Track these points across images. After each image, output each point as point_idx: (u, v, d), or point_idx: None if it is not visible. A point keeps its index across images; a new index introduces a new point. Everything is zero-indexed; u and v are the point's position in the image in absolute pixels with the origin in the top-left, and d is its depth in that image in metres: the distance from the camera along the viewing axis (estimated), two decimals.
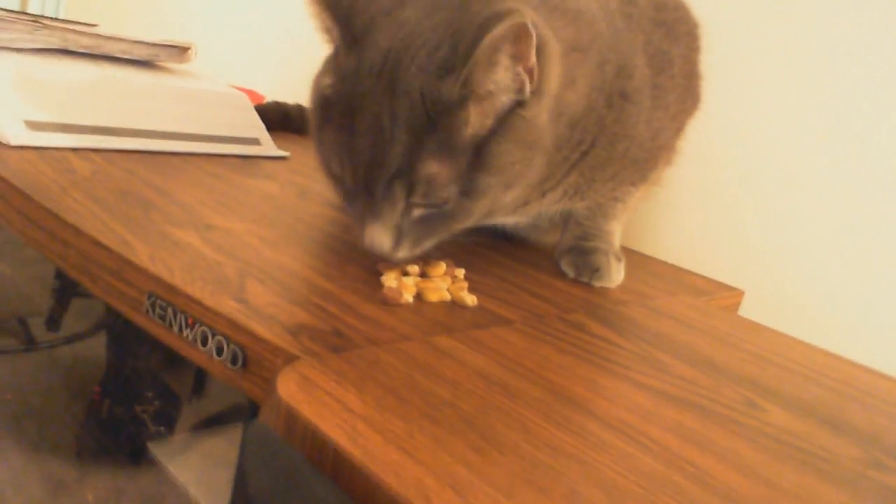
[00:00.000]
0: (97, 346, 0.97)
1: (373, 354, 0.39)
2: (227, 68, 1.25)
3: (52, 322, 1.03)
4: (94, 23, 0.98)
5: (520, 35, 0.46)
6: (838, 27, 0.79)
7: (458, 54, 0.46)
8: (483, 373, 0.40)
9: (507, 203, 0.54)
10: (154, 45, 0.89)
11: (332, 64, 0.52)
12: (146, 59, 0.89)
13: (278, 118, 1.05)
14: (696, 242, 0.89)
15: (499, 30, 0.45)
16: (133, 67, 0.87)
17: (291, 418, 0.33)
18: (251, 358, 0.42)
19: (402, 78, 0.47)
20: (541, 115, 0.51)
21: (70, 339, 1.01)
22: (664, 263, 0.85)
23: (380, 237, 0.51)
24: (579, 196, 0.64)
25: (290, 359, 0.40)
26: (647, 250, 0.89)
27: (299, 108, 1.09)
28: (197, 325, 0.44)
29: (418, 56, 0.47)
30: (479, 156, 0.49)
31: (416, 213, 0.51)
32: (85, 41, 0.82)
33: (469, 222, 0.53)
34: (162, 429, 0.81)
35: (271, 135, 0.92)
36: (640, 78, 0.59)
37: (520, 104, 0.49)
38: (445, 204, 0.50)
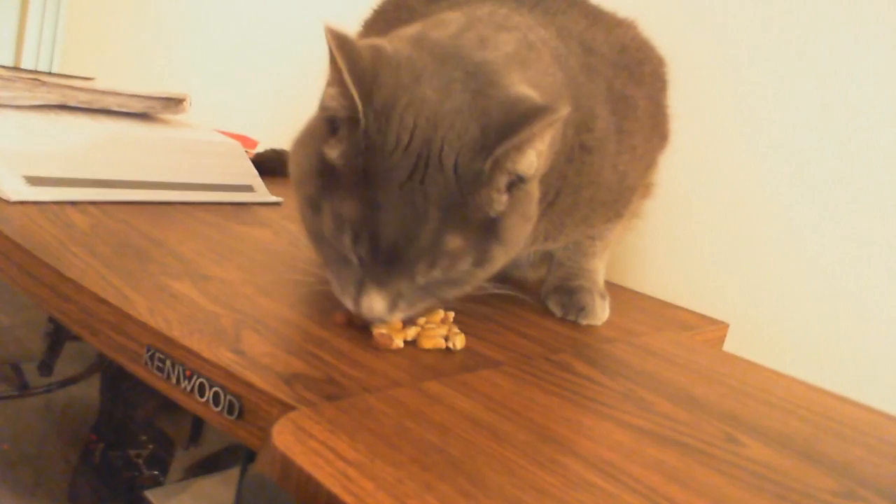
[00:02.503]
0: (91, 390, 0.97)
1: (365, 402, 0.41)
2: (219, 114, 1.29)
3: (46, 366, 1.03)
4: (90, 76, 1.01)
5: (552, 127, 0.50)
6: (818, 58, 0.82)
7: (491, 136, 0.49)
8: (471, 417, 0.42)
9: (501, 267, 0.55)
10: (150, 97, 0.92)
11: (341, 134, 0.51)
12: (142, 111, 0.92)
13: (276, 165, 1.07)
14: (682, 276, 0.91)
15: (543, 121, 0.48)
16: (129, 120, 0.90)
17: (286, 467, 0.34)
18: (247, 408, 0.43)
19: (433, 157, 0.49)
20: (536, 188, 0.55)
21: (64, 384, 1.01)
22: (650, 298, 0.87)
23: (379, 304, 0.50)
24: (552, 240, 0.66)
25: (285, 408, 0.41)
26: (633, 285, 0.91)
27: None
28: (195, 377, 0.45)
29: (449, 137, 0.49)
30: (492, 229, 0.51)
31: (423, 280, 0.51)
32: (83, 97, 0.85)
33: (469, 289, 0.55)
34: (156, 473, 0.82)
35: (267, 181, 0.95)
36: (602, 128, 0.61)
37: (522, 180, 0.52)
38: (456, 274, 0.52)
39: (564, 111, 0.49)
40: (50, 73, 0.99)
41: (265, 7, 1.46)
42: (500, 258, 0.53)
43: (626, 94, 0.64)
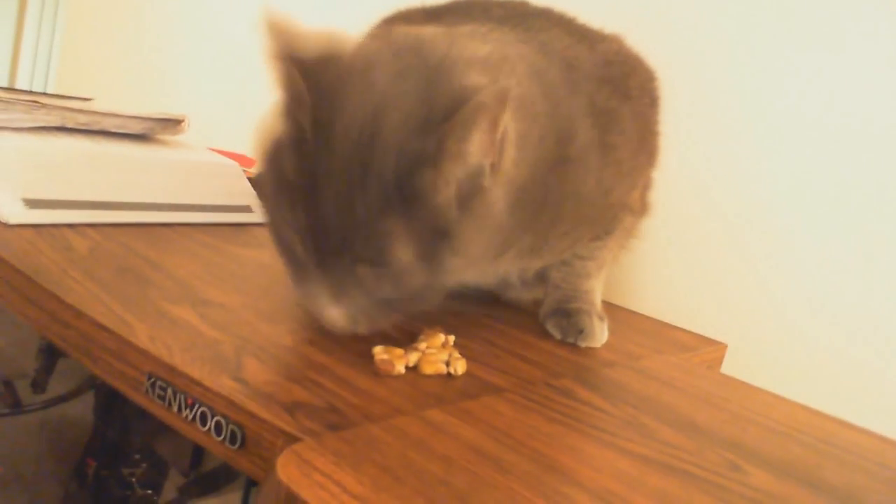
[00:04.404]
0: (85, 407, 0.97)
1: (368, 433, 0.41)
2: (216, 133, 1.29)
3: (38, 384, 1.02)
4: (87, 96, 1.01)
5: (499, 104, 0.47)
6: (819, 77, 0.83)
7: (435, 115, 0.47)
8: (475, 447, 0.41)
9: (464, 280, 0.54)
10: (148, 118, 0.92)
11: (289, 126, 0.50)
12: (141, 132, 0.92)
13: None
14: (680, 296, 0.91)
15: (485, 95, 0.46)
16: (128, 141, 0.90)
17: (291, 501, 0.34)
18: (250, 437, 0.43)
19: (377, 142, 0.47)
20: (500, 196, 0.52)
21: (57, 401, 1.01)
22: (649, 318, 0.87)
23: (339, 316, 0.51)
24: (537, 256, 0.66)
25: (288, 438, 0.41)
26: (631, 305, 0.91)
27: None
28: (196, 406, 0.45)
29: (392, 119, 0.47)
30: (443, 238, 0.49)
31: (379, 293, 0.50)
32: (82, 118, 0.85)
33: (429, 302, 0.53)
34: (149, 492, 0.81)
35: None
36: (583, 140, 0.60)
37: (481, 188, 0.50)
38: (410, 287, 0.50)
39: (512, 91, 0.47)
40: (49, 95, 0.99)
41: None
42: (456, 268, 0.51)
43: (609, 108, 0.63)
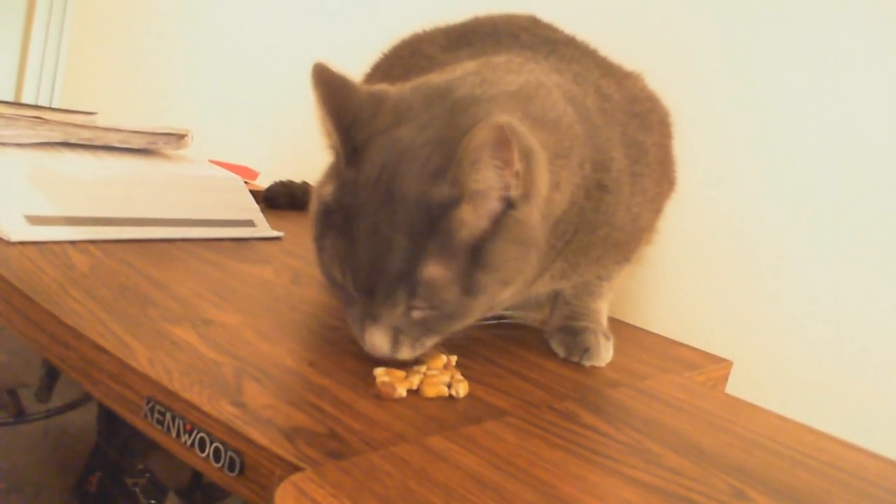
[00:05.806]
0: (88, 416, 0.96)
1: (368, 462, 0.40)
2: (220, 145, 1.29)
3: (42, 393, 1.02)
4: (92, 110, 1.01)
5: (499, 138, 0.48)
6: (822, 93, 0.83)
7: (448, 160, 0.49)
8: (476, 475, 0.41)
9: (505, 299, 0.55)
10: (152, 133, 0.92)
11: (334, 173, 0.54)
12: (144, 147, 0.92)
13: (286, 200, 1.08)
14: (686, 312, 0.90)
15: (480, 131, 0.48)
16: (131, 155, 0.90)
17: None
18: (248, 464, 0.42)
19: (397, 187, 0.50)
20: (532, 214, 0.53)
21: (60, 410, 1.00)
22: (654, 335, 0.87)
23: (380, 340, 0.53)
24: (566, 279, 0.67)
25: (287, 466, 0.41)
26: (637, 321, 0.90)
27: (305, 186, 1.12)
28: (195, 431, 0.45)
29: (412, 166, 0.50)
30: (476, 256, 0.51)
31: (417, 314, 0.52)
32: (85, 134, 0.85)
33: (468, 321, 0.55)
34: (153, 502, 0.81)
35: (272, 215, 0.95)
36: (618, 169, 0.62)
37: (511, 206, 0.52)
38: (446, 305, 0.52)
39: (509, 122, 0.48)
40: (52, 110, 1.00)
41: (265, 38, 1.46)
42: (492, 286, 0.53)
43: (637, 140, 0.65)
